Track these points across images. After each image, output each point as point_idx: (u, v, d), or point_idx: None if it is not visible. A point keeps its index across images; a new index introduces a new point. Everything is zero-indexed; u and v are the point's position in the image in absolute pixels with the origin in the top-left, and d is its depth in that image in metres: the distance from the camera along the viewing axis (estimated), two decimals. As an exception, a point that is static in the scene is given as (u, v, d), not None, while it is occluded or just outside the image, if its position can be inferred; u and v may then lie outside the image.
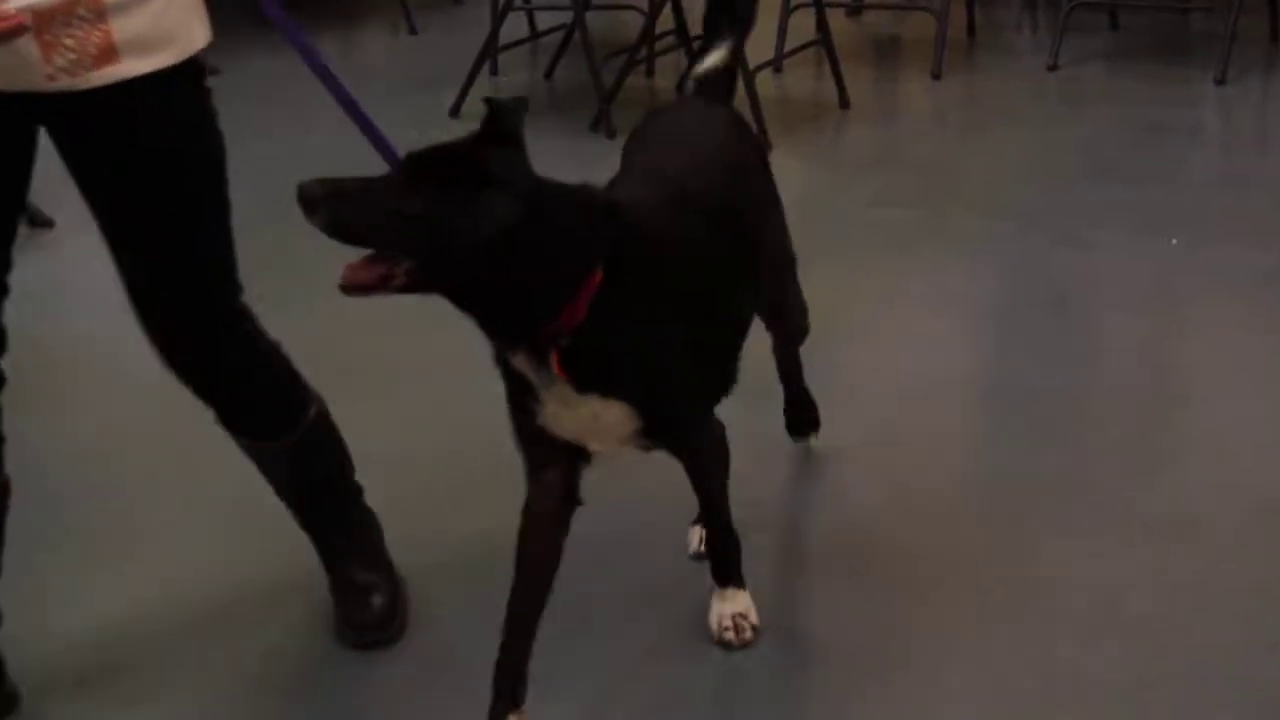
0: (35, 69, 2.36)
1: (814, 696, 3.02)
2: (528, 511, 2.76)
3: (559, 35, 6.76)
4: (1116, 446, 3.82)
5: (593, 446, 2.69)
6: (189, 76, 2.56)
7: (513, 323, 2.44)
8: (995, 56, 7.14)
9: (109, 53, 2.39)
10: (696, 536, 3.26)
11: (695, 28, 6.23)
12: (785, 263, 3.34)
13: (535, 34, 7.04)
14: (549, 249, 2.37)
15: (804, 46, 6.63)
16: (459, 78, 6.41)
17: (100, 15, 2.36)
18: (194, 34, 2.56)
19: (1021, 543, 3.39)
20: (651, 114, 3.28)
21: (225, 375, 2.82)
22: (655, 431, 2.66)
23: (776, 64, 6.63)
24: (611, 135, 5.97)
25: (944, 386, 4.18)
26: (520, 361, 2.48)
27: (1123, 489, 3.58)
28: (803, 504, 3.64)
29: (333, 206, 2.30)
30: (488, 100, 2.42)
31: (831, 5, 6.66)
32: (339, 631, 3.03)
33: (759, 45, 6.08)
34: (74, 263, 4.96)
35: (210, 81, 2.68)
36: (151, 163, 2.57)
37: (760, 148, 3.24)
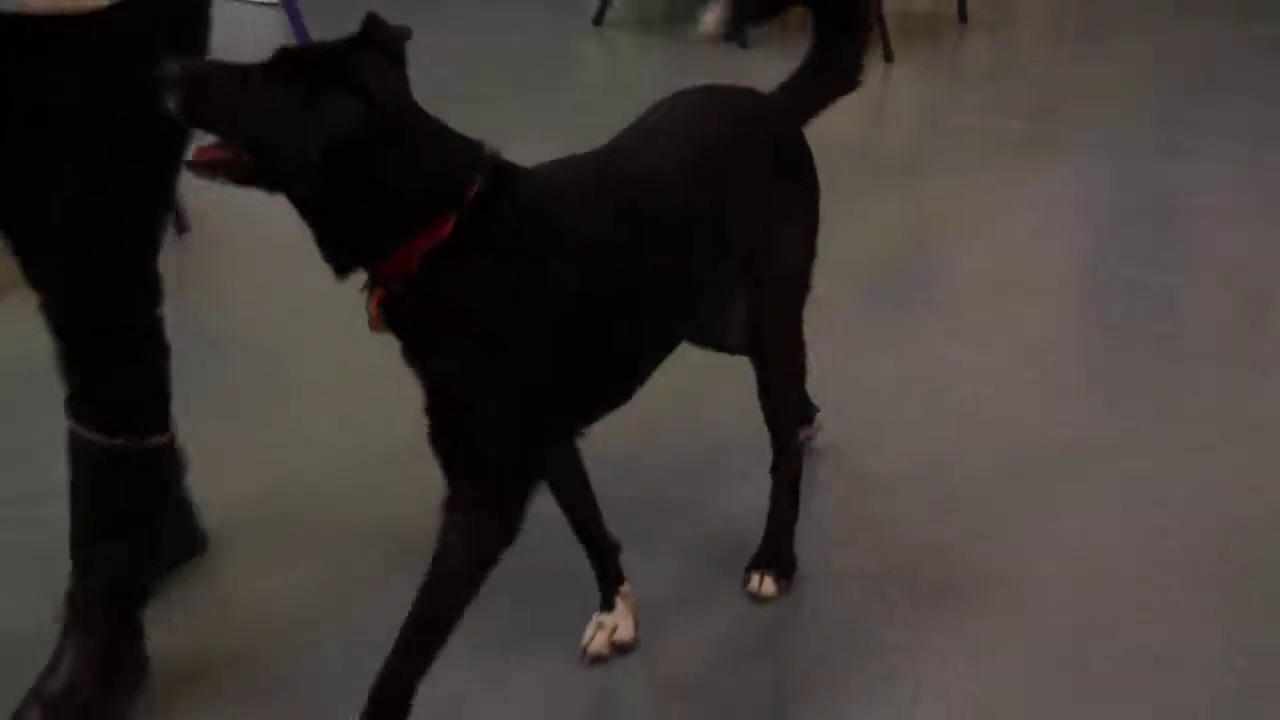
0: None
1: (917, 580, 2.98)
2: None
3: (698, -53, 6.68)
4: (1215, 347, 3.82)
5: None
6: (190, 8, 2.30)
7: (338, 246, 2.15)
8: (1109, -28, 7.00)
9: None
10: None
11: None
12: (783, 286, 2.69)
13: (675, -55, 6.97)
14: (387, 178, 2.09)
15: (925, -36, 6.52)
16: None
17: None
18: None
19: (1122, 434, 3.39)
20: (681, 91, 2.69)
21: (118, 377, 2.43)
22: (434, 433, 2.26)
23: (900, -19, 6.51)
24: (744, 45, 5.93)
25: (1049, 286, 4.22)
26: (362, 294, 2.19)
27: (1221, 388, 3.57)
28: (917, 386, 3.64)
29: (187, 87, 2.06)
30: (370, 15, 2.13)
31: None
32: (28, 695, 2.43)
33: (883, -40, 6.01)
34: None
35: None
36: (130, 103, 2.16)
37: (796, 157, 2.69)
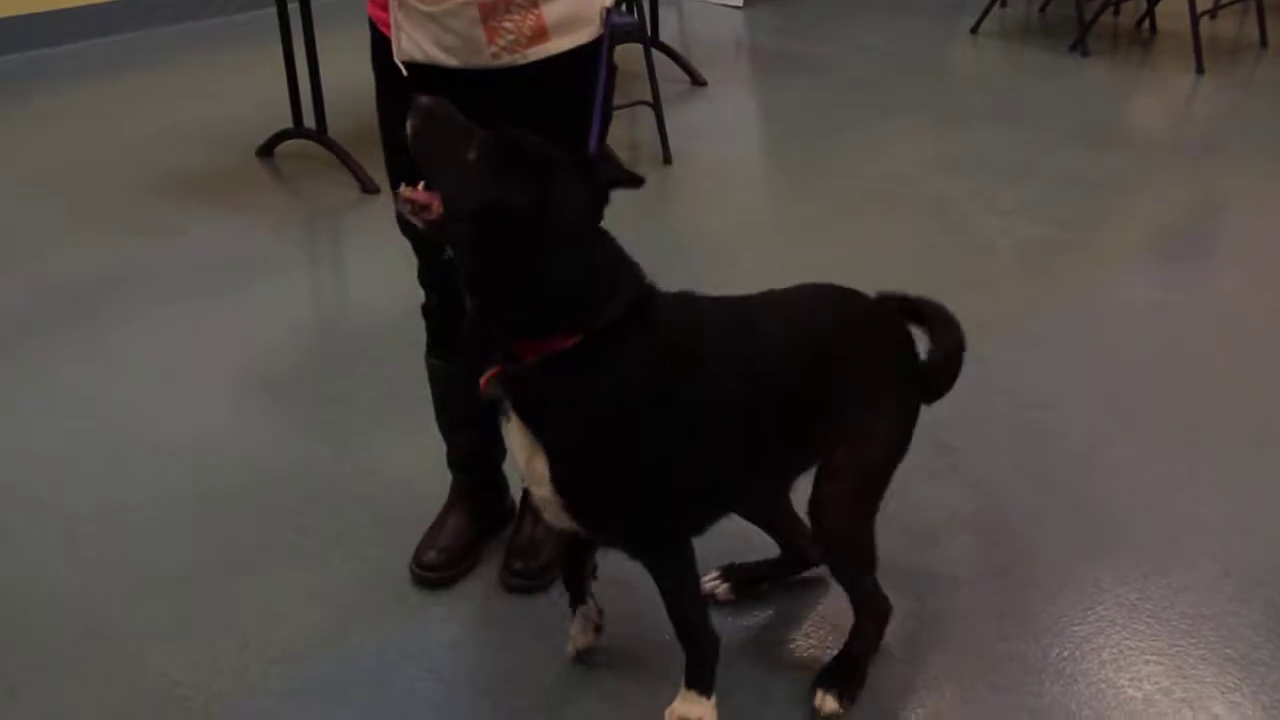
0: (481, 50, 2.07)
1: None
2: None
3: (1054, -20, 6.63)
4: None
5: (535, 492, 2.02)
6: (597, 48, 2.17)
7: (480, 328, 1.90)
8: (1389, 17, 6.61)
9: (540, 34, 2.08)
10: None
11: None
12: (856, 475, 2.12)
13: (1035, -22, 6.90)
14: (531, 283, 1.81)
15: (1236, 0, 6.25)
16: (980, 6, 6.38)
17: (533, 3, 2.07)
18: (603, 16, 2.18)
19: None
20: (819, 284, 2.20)
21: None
22: (573, 507, 1.97)
23: (1213, 13, 6.32)
24: (1085, 54, 5.88)
25: None
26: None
27: None
28: (1196, 314, 3.64)
29: (420, 118, 1.87)
30: (605, 152, 1.96)
31: (1263, -29, 6.29)
32: (501, 571, 2.54)
33: (1203, -3, 5.86)
34: (721, 104, 5.37)
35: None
36: (555, 115, 2.12)
37: (911, 367, 2.19)
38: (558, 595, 2.48)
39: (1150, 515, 2.70)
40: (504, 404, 1.96)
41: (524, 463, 1.98)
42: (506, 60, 2.09)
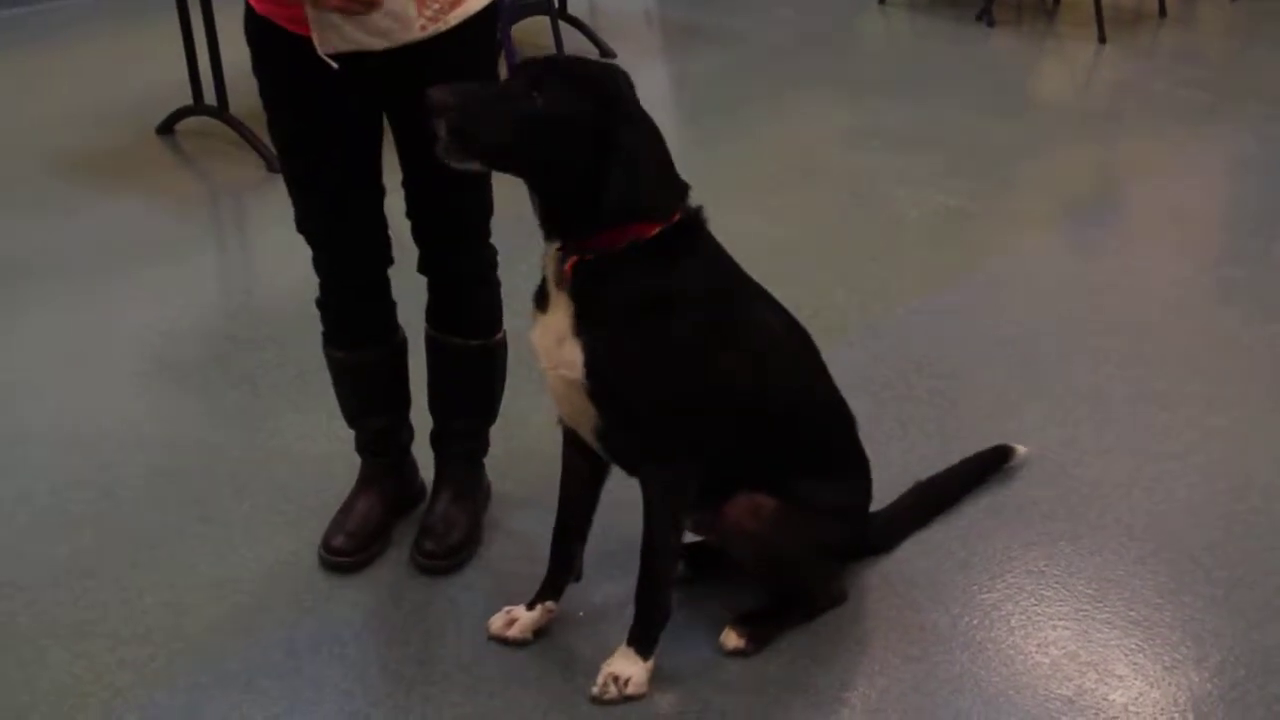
0: (412, 24, 2.08)
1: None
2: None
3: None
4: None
5: (555, 381, 2.07)
6: (495, 7, 2.21)
7: (565, 216, 1.97)
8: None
9: None
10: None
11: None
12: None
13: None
14: (624, 176, 1.90)
15: (1137, -32, 6.38)
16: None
17: None
18: None
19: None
20: None
21: (457, 281, 2.42)
22: (597, 398, 2.02)
23: (1115, -19, 6.38)
24: (991, 25, 5.91)
25: (1208, 215, 4.21)
26: (548, 258, 2.03)
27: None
28: (1097, 282, 3.69)
29: (458, 112, 1.90)
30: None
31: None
32: (411, 552, 2.50)
33: (1105, -34, 5.92)
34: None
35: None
36: (470, 77, 2.09)
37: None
38: (470, 575, 2.46)
39: (1056, 481, 2.72)
40: (542, 294, 2.04)
41: (551, 347, 2.03)
42: (432, 30, 2.09)
